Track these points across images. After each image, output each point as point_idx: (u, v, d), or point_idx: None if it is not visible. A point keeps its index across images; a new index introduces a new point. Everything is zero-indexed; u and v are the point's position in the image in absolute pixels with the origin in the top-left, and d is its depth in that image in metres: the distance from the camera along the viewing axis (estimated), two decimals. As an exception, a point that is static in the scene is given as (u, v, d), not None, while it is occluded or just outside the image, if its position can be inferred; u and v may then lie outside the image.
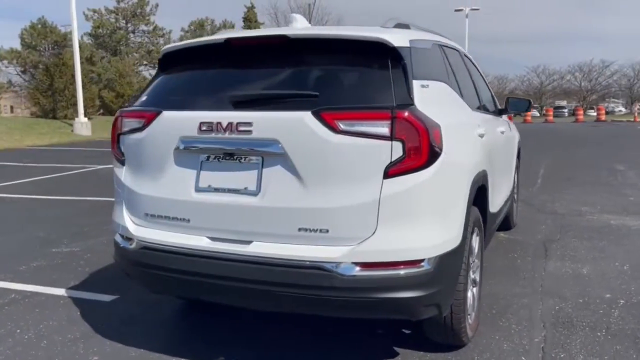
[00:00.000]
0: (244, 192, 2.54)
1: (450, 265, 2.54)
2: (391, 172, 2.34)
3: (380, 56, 2.51)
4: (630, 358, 2.91)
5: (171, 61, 2.98)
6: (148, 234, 2.77)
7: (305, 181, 2.42)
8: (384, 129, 2.33)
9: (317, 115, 2.39)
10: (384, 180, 2.35)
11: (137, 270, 2.86)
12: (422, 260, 2.40)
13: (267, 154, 2.49)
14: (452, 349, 3.01)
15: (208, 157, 2.63)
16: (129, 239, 2.85)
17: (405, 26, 3.04)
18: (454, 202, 2.63)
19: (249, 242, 2.53)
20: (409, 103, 2.40)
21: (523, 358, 2.94)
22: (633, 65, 65.29)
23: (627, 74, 66.03)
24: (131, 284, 3.37)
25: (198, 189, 2.64)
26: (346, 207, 2.37)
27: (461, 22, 45.97)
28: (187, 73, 2.95)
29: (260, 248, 2.49)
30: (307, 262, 2.40)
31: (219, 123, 2.54)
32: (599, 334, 3.20)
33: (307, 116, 2.40)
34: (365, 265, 2.37)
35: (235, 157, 2.57)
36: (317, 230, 2.41)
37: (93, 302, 3.86)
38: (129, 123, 2.89)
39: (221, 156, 2.60)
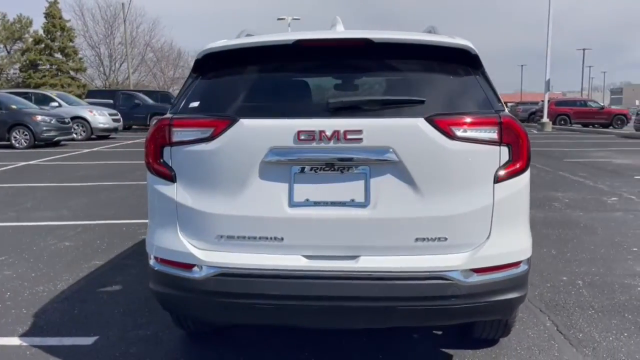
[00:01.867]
0: (351, 204, 2.38)
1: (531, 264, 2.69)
2: (501, 176, 2.40)
3: (465, 63, 2.55)
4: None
5: (219, 62, 2.64)
6: (224, 258, 2.42)
7: (421, 189, 2.36)
8: (494, 134, 2.39)
9: (431, 121, 2.35)
10: (495, 185, 2.40)
11: (207, 300, 2.46)
12: (521, 262, 2.50)
13: (378, 162, 2.36)
14: (492, 343, 3.17)
15: (302, 169, 2.40)
16: (189, 266, 2.46)
17: (434, 29, 3.10)
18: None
19: (356, 257, 2.38)
20: (503, 109, 2.49)
21: (552, 341, 3.23)
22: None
23: None
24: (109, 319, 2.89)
25: (293, 204, 2.39)
26: (463, 214, 2.37)
27: (284, 32, 47.53)
28: (250, 76, 2.64)
29: (371, 262, 2.36)
30: (428, 273, 2.34)
31: (322, 132, 2.34)
32: (592, 311, 3.65)
33: (421, 122, 2.35)
34: (481, 271, 2.39)
35: (336, 168, 2.39)
36: (435, 239, 2.37)
37: (72, 347, 3.22)
38: (187, 133, 2.49)
39: (319, 167, 2.39)
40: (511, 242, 2.46)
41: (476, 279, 2.37)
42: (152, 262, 2.65)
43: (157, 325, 3.47)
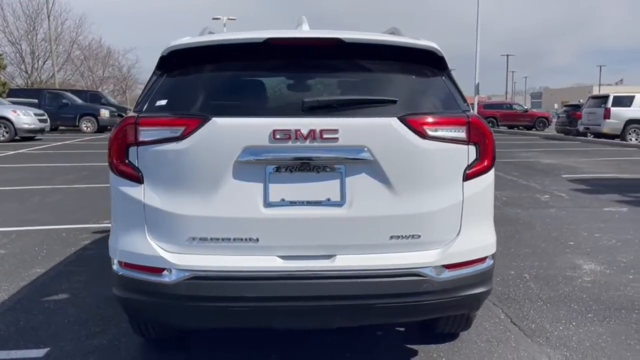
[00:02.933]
0: (327, 203, 2.38)
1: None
2: (469, 174, 2.48)
3: (431, 64, 2.61)
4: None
5: (185, 59, 2.56)
6: (197, 261, 2.35)
7: (395, 187, 2.39)
8: (462, 133, 2.46)
9: (404, 120, 2.39)
10: (464, 183, 2.47)
11: (178, 305, 2.38)
12: (487, 257, 2.59)
13: (354, 161, 2.37)
14: (454, 337, 3.26)
15: (277, 168, 2.37)
16: (158, 270, 2.38)
17: (397, 31, 3.15)
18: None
19: (331, 256, 2.38)
20: (469, 109, 2.57)
21: (508, 333, 3.37)
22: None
23: None
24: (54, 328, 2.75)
25: (268, 204, 2.36)
26: (436, 211, 2.43)
27: (219, 31, 46.95)
28: (220, 74, 2.58)
29: (347, 261, 2.37)
30: (402, 270, 2.38)
31: (297, 130, 2.32)
32: (541, 303, 3.84)
33: (394, 122, 2.39)
34: (452, 267, 2.46)
35: (311, 167, 2.37)
36: (409, 236, 2.41)
37: (21, 361, 3.03)
38: (155, 132, 2.39)
39: (295, 167, 2.37)
40: (479, 238, 2.55)
41: (448, 274, 2.44)
42: (115, 266, 2.53)
43: (113, 333, 3.33)
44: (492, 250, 2.62)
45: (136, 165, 2.43)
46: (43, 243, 5.44)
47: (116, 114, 25.18)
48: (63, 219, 6.56)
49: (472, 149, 2.49)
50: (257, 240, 2.36)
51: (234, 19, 48.11)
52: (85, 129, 24.46)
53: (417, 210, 2.41)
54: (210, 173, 2.36)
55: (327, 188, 2.38)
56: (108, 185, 2.57)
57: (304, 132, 2.32)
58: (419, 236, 2.42)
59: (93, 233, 5.93)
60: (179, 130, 2.37)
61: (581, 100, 27.46)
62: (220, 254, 2.37)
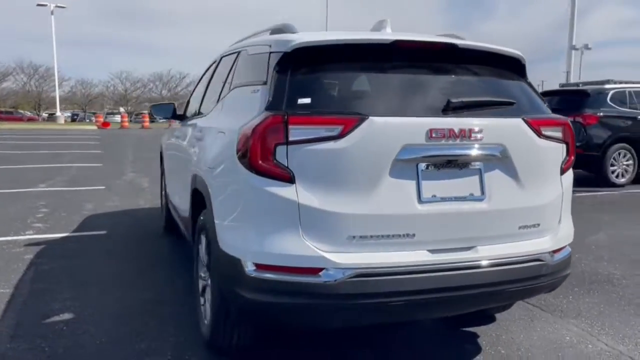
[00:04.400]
0: (470, 198, 2.52)
1: None
2: (564, 169, 2.82)
3: (518, 70, 2.90)
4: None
5: (313, 57, 2.51)
6: (360, 259, 2.33)
7: (522, 181, 2.62)
8: (559, 133, 2.79)
9: (526, 121, 2.65)
10: (561, 177, 2.81)
11: (339, 304, 2.32)
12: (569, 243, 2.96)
13: (492, 158, 2.55)
14: (492, 319, 3.60)
15: (427, 166, 2.45)
16: (316, 270, 2.31)
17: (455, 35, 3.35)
18: None
19: (473, 248, 2.53)
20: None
21: (531, 312, 3.81)
22: (167, 74, 73.16)
23: (163, 81, 73.53)
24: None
25: (422, 201, 2.43)
26: (549, 202, 2.73)
27: (45, 19, 42.72)
28: (354, 73, 2.59)
29: (486, 251, 2.54)
30: (529, 256, 2.62)
31: (451, 130, 2.44)
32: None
33: (520, 122, 2.63)
34: (556, 251, 2.77)
35: (456, 164, 2.50)
36: (532, 225, 2.66)
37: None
38: (308, 130, 2.31)
39: (442, 164, 2.47)
40: (569, 225, 2.90)
41: (556, 258, 2.74)
42: (249, 269, 2.39)
43: (171, 346, 3.05)
44: (572, 236, 2.99)
45: (285, 165, 2.33)
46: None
47: None
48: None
49: (564, 147, 2.83)
50: (414, 235, 2.42)
51: (63, 7, 44.05)
52: None
53: (537, 201, 2.68)
54: (368, 171, 2.36)
55: (469, 184, 2.53)
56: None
57: (456, 131, 2.45)
58: (539, 225, 2.69)
59: (26, 246, 5.20)
60: (337, 129, 2.33)
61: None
62: (380, 250, 2.38)
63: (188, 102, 5.05)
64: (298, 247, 2.32)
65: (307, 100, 2.41)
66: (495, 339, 3.29)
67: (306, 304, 2.34)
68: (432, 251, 2.47)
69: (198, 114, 4.12)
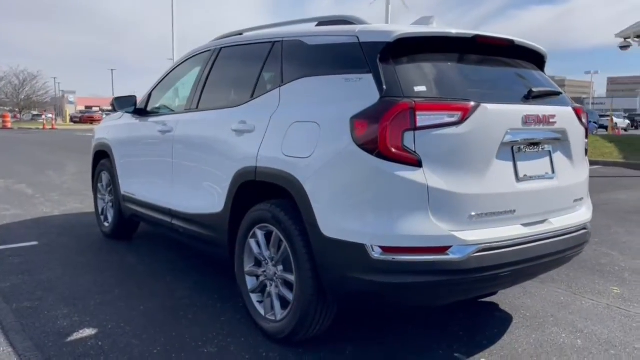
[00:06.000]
0: (546, 176, 2.86)
1: None
2: (586, 150, 3.29)
3: (542, 65, 3.33)
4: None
5: (412, 47, 2.66)
6: (480, 235, 2.52)
7: (574, 161, 3.04)
8: (585, 120, 3.26)
9: (574, 109, 3.07)
10: (585, 157, 3.28)
11: (467, 279, 2.48)
12: None
13: (558, 141, 2.92)
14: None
15: (519, 148, 2.72)
16: (444, 249, 2.44)
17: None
18: None
19: (547, 220, 2.86)
20: None
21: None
22: (17, 74, 65.97)
23: (12, 82, 66.01)
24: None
25: (519, 179, 2.70)
26: (585, 179, 3.20)
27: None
28: (445, 64, 2.75)
29: (558, 223, 2.88)
30: (581, 225, 3.04)
31: (537, 115, 2.74)
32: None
33: (571, 110, 3.05)
34: (589, 222, 3.23)
35: (535, 146, 2.81)
36: (579, 199, 3.09)
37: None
38: (433, 117, 2.44)
39: (526, 146, 2.76)
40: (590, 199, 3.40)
41: (589, 228, 3.21)
42: (377, 253, 2.44)
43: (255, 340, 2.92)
44: None
45: (413, 149, 2.43)
46: None
47: None
48: None
49: (584, 131, 3.31)
50: (514, 211, 2.68)
51: None
52: None
53: (582, 178, 3.13)
54: (482, 154, 2.57)
55: (544, 164, 2.87)
56: None
57: (541, 116, 2.77)
58: (582, 199, 3.13)
59: None
60: (457, 115, 2.49)
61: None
62: (492, 226, 2.59)
63: (149, 97, 4.72)
64: (428, 228, 2.43)
65: (423, 89, 2.53)
66: (509, 304, 3.71)
67: (435, 281, 2.46)
68: (525, 225, 2.75)
69: (196, 108, 3.91)
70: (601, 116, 41.45)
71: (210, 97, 3.85)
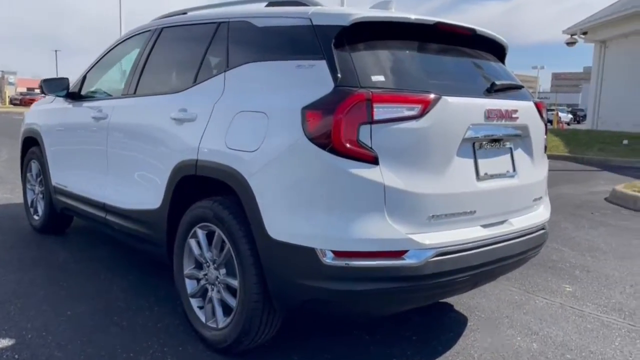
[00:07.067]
0: (508, 175, 2.70)
1: None
2: (545, 147, 3.16)
3: (504, 56, 3.17)
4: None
5: (368, 33, 2.42)
6: (438, 238, 2.32)
7: (534, 158, 2.90)
8: (545, 115, 3.12)
9: (535, 104, 2.93)
10: (544, 153, 3.16)
11: (423, 285, 2.29)
12: None
13: (519, 137, 2.76)
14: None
15: (480, 145, 2.54)
16: (400, 253, 2.25)
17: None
18: None
19: (507, 221, 2.71)
20: None
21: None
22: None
23: None
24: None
25: (480, 178, 2.53)
26: (544, 177, 3.07)
27: None
28: (404, 52, 2.52)
29: (518, 224, 2.74)
30: (540, 225, 2.91)
31: (499, 110, 2.57)
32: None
33: (532, 105, 2.91)
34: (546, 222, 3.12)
35: (496, 143, 2.64)
36: (539, 198, 2.96)
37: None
38: (391, 109, 2.22)
39: (487, 143, 2.59)
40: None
41: (547, 228, 3.09)
42: (329, 259, 2.22)
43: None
44: None
45: (369, 145, 2.21)
46: None
47: None
48: None
49: (544, 127, 3.19)
50: (474, 212, 2.51)
51: None
52: None
53: (541, 176, 3.00)
54: (442, 150, 2.38)
55: (505, 162, 2.71)
56: None
57: (503, 112, 2.60)
58: (541, 197, 3.00)
59: None
60: (416, 108, 2.28)
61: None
62: (451, 229, 2.41)
63: (83, 80, 4.33)
64: (384, 230, 2.23)
65: (381, 78, 2.32)
66: (463, 305, 3.58)
67: (390, 288, 2.27)
68: (485, 226, 2.59)
69: (133, 93, 3.58)
70: (547, 110, 42.78)
71: (149, 81, 3.53)
